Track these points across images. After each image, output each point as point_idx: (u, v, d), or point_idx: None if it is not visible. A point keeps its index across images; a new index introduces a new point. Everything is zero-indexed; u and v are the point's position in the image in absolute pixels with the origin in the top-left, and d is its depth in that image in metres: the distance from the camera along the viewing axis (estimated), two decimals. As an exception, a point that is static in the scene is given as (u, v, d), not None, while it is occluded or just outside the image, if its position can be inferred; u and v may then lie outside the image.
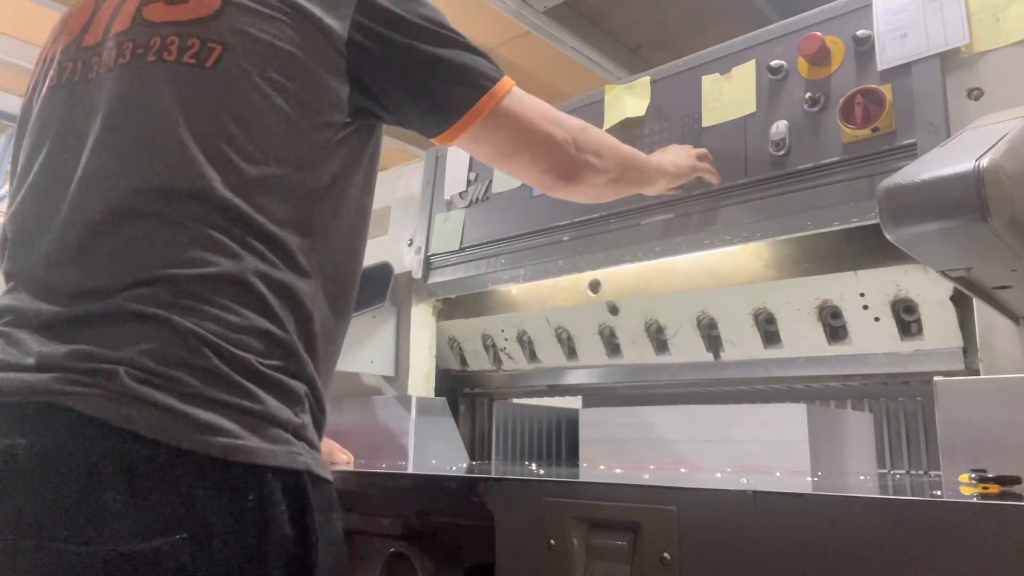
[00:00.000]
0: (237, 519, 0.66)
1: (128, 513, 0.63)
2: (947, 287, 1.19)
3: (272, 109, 0.77)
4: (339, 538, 0.75)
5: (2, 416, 0.68)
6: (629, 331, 1.60)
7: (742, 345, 1.47)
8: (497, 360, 1.87)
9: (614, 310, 1.59)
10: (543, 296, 1.70)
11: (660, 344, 1.57)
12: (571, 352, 1.73)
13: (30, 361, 0.69)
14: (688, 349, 1.53)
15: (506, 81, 0.90)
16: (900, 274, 1.23)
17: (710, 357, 1.51)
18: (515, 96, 0.91)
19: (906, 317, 1.28)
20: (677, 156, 1.24)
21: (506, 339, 1.83)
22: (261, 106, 0.77)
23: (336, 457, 1.36)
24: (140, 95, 0.78)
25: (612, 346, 1.65)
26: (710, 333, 1.50)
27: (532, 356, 1.80)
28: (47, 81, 0.88)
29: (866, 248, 1.24)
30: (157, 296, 0.70)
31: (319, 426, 0.79)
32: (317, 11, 0.80)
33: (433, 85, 0.85)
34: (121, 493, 0.63)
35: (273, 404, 0.71)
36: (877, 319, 1.30)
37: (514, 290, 1.76)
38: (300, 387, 0.75)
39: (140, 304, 0.70)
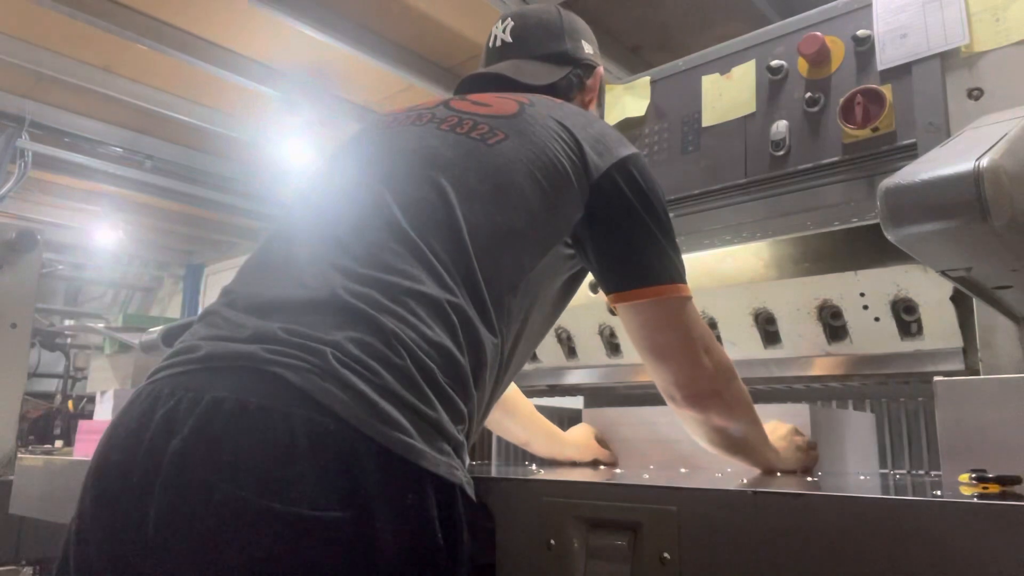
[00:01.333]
0: (397, 513, 0.70)
1: (311, 480, 0.67)
2: (947, 287, 1.19)
3: (532, 191, 0.91)
4: (471, 562, 0.79)
5: (214, 376, 0.74)
6: (629, 331, 1.60)
7: (742, 345, 1.46)
8: None
9: (614, 310, 1.58)
10: None
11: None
12: (571, 352, 1.73)
13: (245, 334, 0.76)
14: None
15: (687, 289, 0.98)
16: (900, 274, 1.23)
17: None
18: (690, 306, 0.98)
19: (906, 317, 1.28)
20: (787, 450, 1.20)
21: None
22: (523, 184, 0.91)
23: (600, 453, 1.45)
24: (422, 145, 0.95)
25: (612, 346, 1.65)
26: None
27: (532, 356, 1.80)
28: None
29: (866, 248, 1.24)
30: (370, 296, 0.78)
31: (468, 449, 0.84)
32: (587, 148, 0.96)
33: (633, 250, 0.96)
34: (308, 459, 0.68)
35: (445, 417, 0.76)
36: (877, 319, 1.30)
37: None
38: (465, 411, 0.80)
39: (354, 299, 0.77)
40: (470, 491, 0.78)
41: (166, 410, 0.72)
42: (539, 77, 1.13)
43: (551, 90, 1.12)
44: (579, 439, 1.47)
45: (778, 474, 1.11)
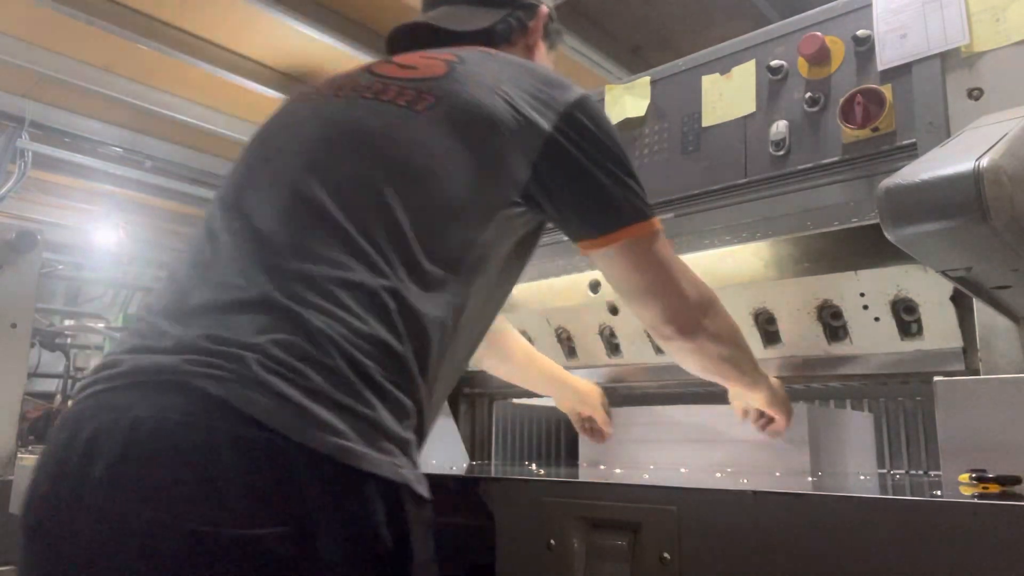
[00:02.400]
0: (338, 520, 0.67)
1: (240, 497, 0.64)
2: (947, 287, 1.19)
3: (469, 158, 0.85)
4: (433, 561, 0.76)
5: (135, 393, 0.70)
6: (629, 331, 1.60)
7: None
8: None
9: (614, 310, 1.58)
10: (543, 296, 1.69)
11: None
12: (571, 352, 1.73)
13: (167, 343, 0.72)
14: None
15: (656, 222, 0.95)
16: (900, 274, 1.23)
17: None
18: (663, 240, 0.95)
19: (906, 317, 1.28)
20: (779, 386, 1.28)
21: None
22: (458, 152, 0.85)
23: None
24: (345, 119, 0.89)
25: (612, 346, 1.65)
26: None
27: (532, 356, 1.79)
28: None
29: (866, 248, 1.24)
30: (294, 291, 0.73)
31: (420, 447, 0.80)
32: (528, 101, 0.90)
33: (595, 197, 0.92)
34: (236, 476, 0.64)
35: (385, 414, 0.72)
36: (877, 319, 1.30)
37: (514, 290, 1.76)
38: (410, 405, 0.76)
39: (277, 297, 0.73)
40: (420, 487, 0.74)
41: (88, 434, 0.69)
42: (472, 22, 1.06)
43: (488, 35, 1.06)
44: (584, 388, 1.48)
45: (764, 396, 1.19)
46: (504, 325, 1.44)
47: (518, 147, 0.88)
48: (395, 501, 0.70)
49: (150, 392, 0.69)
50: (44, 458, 0.73)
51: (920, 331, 1.27)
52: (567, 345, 1.73)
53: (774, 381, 1.25)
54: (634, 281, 0.96)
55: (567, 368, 1.77)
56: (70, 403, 0.77)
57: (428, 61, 0.94)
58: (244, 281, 0.75)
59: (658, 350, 1.57)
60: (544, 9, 1.15)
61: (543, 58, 1.17)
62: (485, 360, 1.47)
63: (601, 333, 1.64)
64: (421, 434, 0.79)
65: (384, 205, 0.80)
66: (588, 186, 0.91)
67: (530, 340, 1.78)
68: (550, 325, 1.72)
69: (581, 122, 0.91)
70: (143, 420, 0.67)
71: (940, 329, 1.25)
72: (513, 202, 0.89)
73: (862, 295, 1.29)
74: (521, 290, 1.74)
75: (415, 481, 0.73)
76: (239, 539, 0.63)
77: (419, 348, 0.78)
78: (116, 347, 0.79)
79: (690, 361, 1.06)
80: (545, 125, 0.89)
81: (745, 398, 1.27)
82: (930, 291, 1.22)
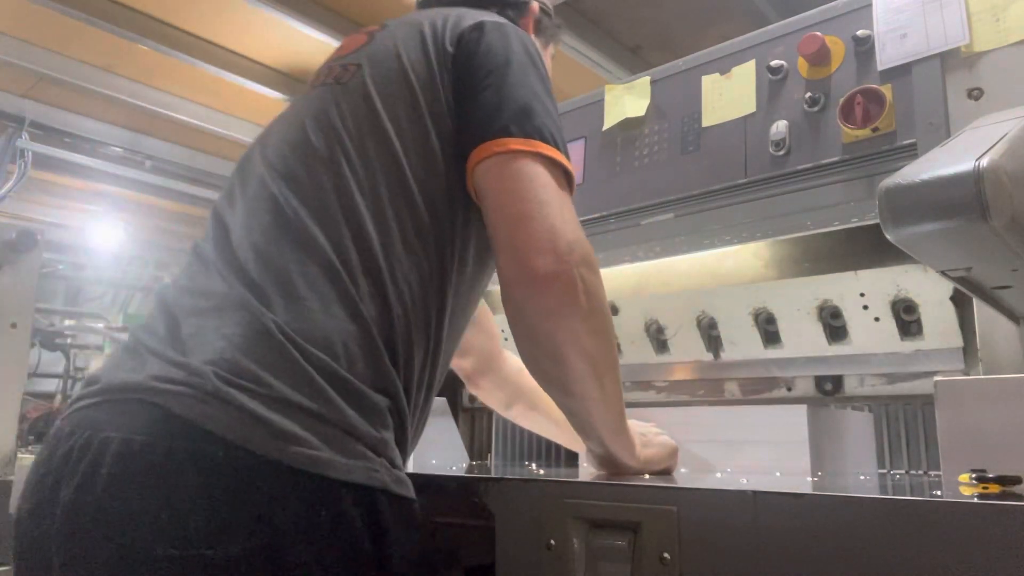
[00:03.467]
0: (310, 533, 0.65)
1: (206, 517, 0.63)
2: (947, 287, 1.19)
3: (409, 118, 0.84)
4: (418, 558, 0.74)
5: (106, 413, 0.70)
6: (629, 331, 1.60)
7: (742, 345, 1.46)
8: None
9: (614, 310, 1.59)
10: None
11: (660, 344, 1.57)
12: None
13: (136, 361, 0.72)
14: (688, 349, 1.53)
15: (547, 147, 0.81)
16: (900, 274, 1.23)
17: (710, 357, 1.51)
18: (554, 172, 0.81)
19: (906, 317, 1.28)
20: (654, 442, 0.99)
21: (506, 339, 1.82)
22: (398, 118, 0.83)
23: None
24: (310, 114, 0.88)
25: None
26: (710, 333, 1.50)
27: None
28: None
29: (866, 248, 1.24)
30: (250, 298, 0.72)
31: (403, 444, 0.77)
32: (447, 35, 0.88)
33: (474, 112, 0.83)
34: (200, 496, 0.63)
35: (355, 416, 0.70)
36: (877, 319, 1.30)
37: None
38: (382, 401, 0.73)
39: (237, 304, 0.72)
40: (399, 488, 0.72)
41: (63, 453, 0.69)
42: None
43: None
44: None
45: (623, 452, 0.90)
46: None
47: (443, 102, 0.84)
48: (371, 506, 0.68)
49: (119, 411, 0.69)
50: (29, 474, 0.73)
51: (920, 331, 1.27)
52: None
53: (644, 430, 0.98)
54: (507, 209, 0.79)
55: None
56: (61, 417, 0.77)
57: (360, 35, 0.96)
58: (210, 290, 0.75)
59: (659, 350, 1.57)
60: (535, 6, 1.13)
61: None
62: (519, 416, 1.33)
63: None
64: (403, 429, 0.76)
65: (345, 194, 0.78)
66: (469, 102, 0.83)
67: None
68: None
69: (482, 34, 0.86)
70: (110, 441, 0.66)
71: (940, 329, 1.25)
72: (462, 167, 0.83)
73: (862, 295, 1.29)
74: None
75: (393, 483, 0.71)
76: (206, 560, 0.62)
77: (393, 341, 0.75)
78: (107, 360, 0.80)
79: (541, 321, 0.80)
80: (451, 46, 0.86)
81: (593, 454, 0.94)
82: (930, 291, 1.22)
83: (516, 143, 0.79)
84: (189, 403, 0.66)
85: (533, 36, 1.11)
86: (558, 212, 0.79)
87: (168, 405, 0.66)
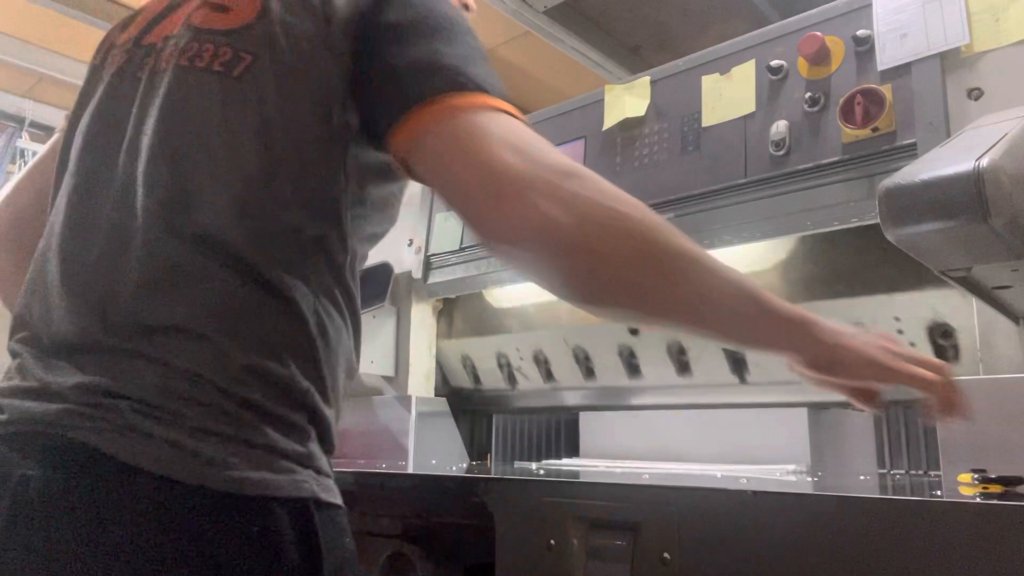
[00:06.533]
0: (243, 552, 0.64)
1: (136, 553, 0.61)
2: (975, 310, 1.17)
3: (300, 118, 0.74)
4: (349, 561, 0.74)
5: (14, 445, 0.66)
6: (650, 352, 1.55)
7: (767, 368, 1.43)
8: (511, 379, 1.81)
9: (634, 331, 1.54)
10: (559, 314, 1.64)
11: (682, 365, 1.52)
12: (588, 372, 1.67)
13: (38, 387, 0.68)
14: (711, 370, 1.49)
15: (485, 98, 0.69)
16: (937, 299, 1.21)
17: (734, 379, 1.46)
18: (485, 115, 0.68)
19: (942, 342, 1.27)
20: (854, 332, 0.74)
21: (521, 358, 1.77)
22: (288, 114, 0.73)
23: None
24: (174, 106, 0.76)
25: (631, 367, 1.60)
26: (735, 356, 1.45)
27: (548, 376, 1.74)
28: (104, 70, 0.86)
29: (902, 271, 1.23)
30: (143, 329, 0.68)
31: (329, 448, 0.76)
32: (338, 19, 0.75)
33: (393, 76, 0.72)
34: (129, 531, 0.62)
35: (277, 436, 0.69)
36: (913, 344, 1.29)
37: (530, 308, 1.71)
38: (306, 417, 0.73)
39: (133, 336, 0.68)
40: (328, 496, 0.71)
41: None
42: None
43: None
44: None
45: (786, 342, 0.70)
46: None
47: (343, 82, 0.74)
48: (302, 516, 0.68)
49: (31, 445, 0.65)
50: None
51: (957, 356, 1.25)
52: (584, 365, 1.68)
53: (803, 316, 0.71)
54: (434, 172, 0.70)
55: (585, 388, 1.72)
56: None
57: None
58: (94, 316, 0.70)
59: (681, 371, 1.53)
60: None
61: None
62: None
63: (620, 354, 1.60)
64: (327, 439, 0.75)
65: (228, 207, 0.70)
66: (384, 67, 0.72)
67: (546, 359, 1.73)
68: (567, 344, 1.68)
69: (373, 19, 0.74)
70: (31, 479, 0.63)
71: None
72: (360, 146, 0.76)
73: (897, 319, 1.28)
74: (536, 307, 1.70)
75: (321, 490, 0.71)
76: None
77: (303, 354, 0.72)
78: (2, 383, 0.73)
79: (527, 270, 0.70)
80: (345, 14, 0.74)
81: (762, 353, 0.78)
82: (967, 317, 1.21)
83: (436, 108, 0.68)
84: (108, 437, 0.64)
85: None
86: (497, 143, 0.66)
87: (86, 440, 0.64)
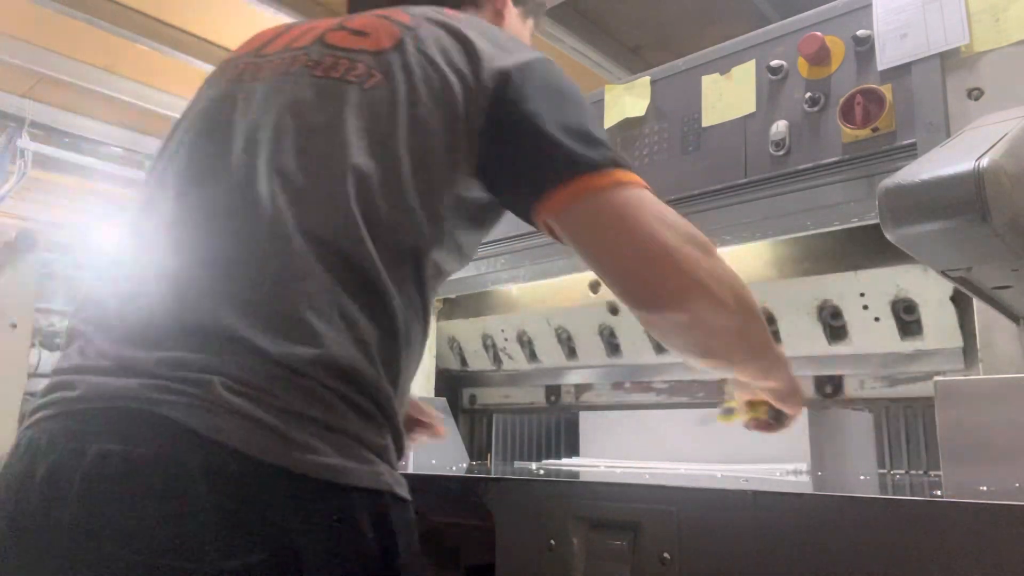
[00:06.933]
0: (323, 539, 0.65)
1: (219, 530, 0.62)
2: (947, 287, 1.19)
3: (420, 138, 0.79)
4: (417, 558, 0.75)
5: (92, 423, 0.66)
6: (629, 331, 1.60)
7: None
8: (497, 360, 1.88)
9: (614, 310, 1.59)
10: (543, 296, 1.69)
11: (660, 344, 1.57)
12: (571, 352, 1.73)
13: (120, 365, 0.69)
14: None
15: (627, 173, 0.79)
16: (900, 274, 1.23)
17: None
18: (633, 190, 0.78)
19: (906, 317, 1.28)
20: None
21: (506, 339, 1.83)
22: (410, 132, 0.78)
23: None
24: (295, 100, 0.81)
25: (612, 346, 1.65)
26: None
27: (532, 356, 1.80)
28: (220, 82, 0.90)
29: (866, 248, 1.24)
30: (252, 308, 0.69)
31: (399, 449, 0.77)
32: (483, 60, 0.82)
33: (539, 154, 0.79)
34: (212, 508, 0.62)
35: (360, 424, 0.70)
36: (877, 319, 1.30)
37: (514, 290, 1.76)
38: (384, 410, 0.74)
39: (236, 314, 0.69)
40: (402, 491, 0.73)
41: (47, 468, 0.65)
42: None
43: None
44: None
45: (779, 384, 0.92)
46: None
47: (463, 121, 0.79)
48: (379, 509, 0.69)
49: (110, 420, 0.66)
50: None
51: (920, 331, 1.27)
52: (567, 345, 1.73)
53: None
54: (597, 244, 0.79)
55: (567, 368, 1.78)
56: (23, 424, 0.72)
57: (382, 26, 0.85)
58: (197, 296, 0.71)
59: (659, 349, 1.57)
60: None
61: (516, 26, 1.08)
62: None
63: (601, 333, 1.64)
64: (398, 435, 0.77)
65: (337, 199, 0.74)
66: (532, 145, 0.79)
67: (530, 340, 1.79)
68: (550, 325, 1.72)
69: (518, 85, 0.80)
70: (110, 454, 0.63)
71: (940, 329, 1.25)
72: (464, 181, 0.82)
73: (862, 295, 1.29)
74: (521, 290, 1.74)
75: (396, 484, 0.72)
76: (226, 572, 0.61)
77: (386, 350, 0.75)
78: (64, 362, 0.74)
79: (678, 339, 0.84)
80: (488, 87, 0.80)
81: (747, 388, 1.00)
82: (930, 291, 1.22)
83: (580, 184, 0.77)
84: (196, 413, 0.64)
85: (512, 5, 1.07)
86: (657, 222, 0.77)
87: (172, 415, 0.64)
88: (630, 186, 0.77)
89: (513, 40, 0.88)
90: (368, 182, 0.75)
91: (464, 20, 0.88)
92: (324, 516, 0.65)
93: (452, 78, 0.80)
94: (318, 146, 0.77)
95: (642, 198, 0.77)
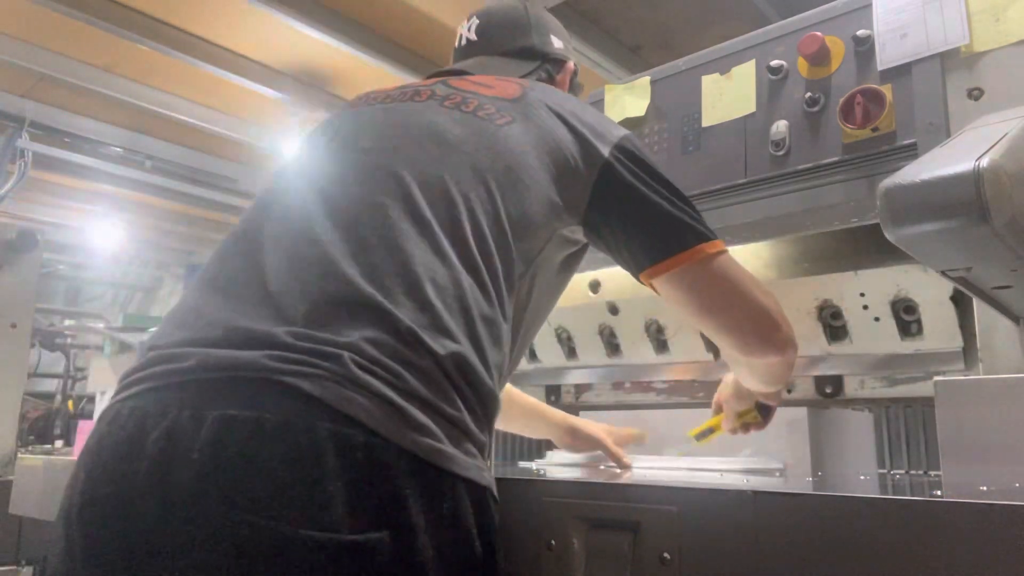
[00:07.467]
0: (436, 524, 0.66)
1: (342, 500, 0.63)
2: (947, 287, 1.19)
3: (542, 176, 0.90)
4: (503, 558, 0.77)
5: (210, 391, 0.67)
6: (629, 331, 1.60)
7: None
8: None
9: (614, 310, 1.58)
10: None
11: (660, 344, 1.57)
12: (571, 352, 1.73)
13: (239, 337, 0.70)
14: (688, 349, 1.53)
15: (719, 243, 0.94)
16: (900, 274, 1.23)
17: (710, 357, 1.51)
18: (727, 258, 0.94)
19: (906, 317, 1.28)
20: None
21: None
22: (535, 168, 0.89)
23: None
24: (426, 121, 0.91)
25: (612, 346, 1.65)
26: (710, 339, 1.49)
27: (532, 356, 1.80)
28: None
29: (866, 248, 1.24)
30: (381, 289, 0.72)
31: (488, 453, 0.80)
32: (587, 132, 0.95)
33: (655, 222, 0.92)
34: (339, 479, 0.63)
35: (468, 416, 0.73)
36: (877, 319, 1.30)
37: None
38: (486, 407, 0.77)
39: (365, 294, 0.72)
40: (495, 491, 0.76)
41: (161, 433, 0.65)
42: (505, 72, 1.09)
43: None
44: (586, 429, 1.35)
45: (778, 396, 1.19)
46: None
47: (581, 173, 0.92)
48: (483, 504, 0.72)
49: (231, 389, 0.67)
50: (97, 457, 0.68)
51: (920, 331, 1.27)
52: (567, 345, 1.73)
53: None
54: (705, 303, 0.93)
55: (567, 368, 1.78)
56: (117, 397, 0.72)
57: (503, 83, 0.99)
58: (327, 272, 0.74)
59: (659, 349, 1.57)
60: (571, 65, 1.22)
61: None
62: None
63: (601, 333, 1.64)
64: (491, 438, 0.80)
65: (471, 210, 0.82)
66: (645, 212, 0.92)
67: None
68: (550, 325, 1.72)
69: (632, 152, 0.95)
70: (234, 418, 0.64)
71: (940, 329, 1.25)
72: (570, 226, 0.93)
73: (862, 295, 1.29)
74: None
75: (492, 484, 0.75)
76: (346, 545, 0.62)
77: (494, 351, 0.78)
78: (164, 338, 0.75)
79: (767, 373, 1.03)
80: (603, 151, 0.93)
81: (750, 398, 1.22)
82: (930, 291, 1.22)
83: (697, 252, 0.91)
84: (326, 385, 0.65)
85: (567, 92, 1.18)
86: (754, 287, 0.94)
87: (301, 386, 0.65)
88: (725, 253, 0.93)
89: (606, 118, 1.02)
90: (495, 204, 0.84)
91: (561, 92, 1.03)
92: (436, 501, 0.67)
93: (565, 138, 0.92)
94: (447, 155, 0.86)
95: (735, 263, 0.94)
